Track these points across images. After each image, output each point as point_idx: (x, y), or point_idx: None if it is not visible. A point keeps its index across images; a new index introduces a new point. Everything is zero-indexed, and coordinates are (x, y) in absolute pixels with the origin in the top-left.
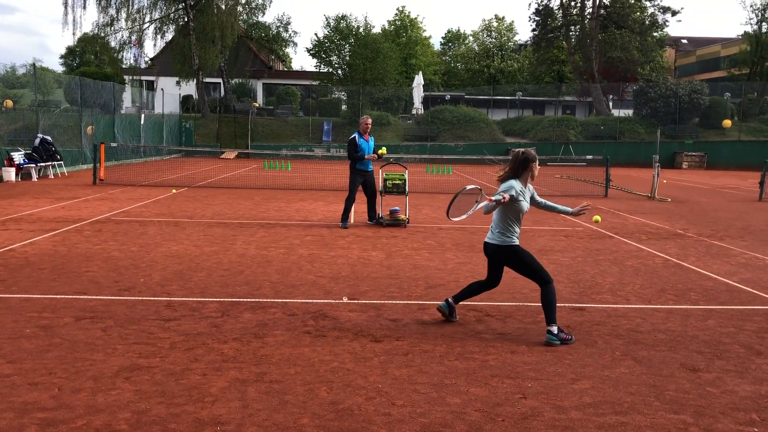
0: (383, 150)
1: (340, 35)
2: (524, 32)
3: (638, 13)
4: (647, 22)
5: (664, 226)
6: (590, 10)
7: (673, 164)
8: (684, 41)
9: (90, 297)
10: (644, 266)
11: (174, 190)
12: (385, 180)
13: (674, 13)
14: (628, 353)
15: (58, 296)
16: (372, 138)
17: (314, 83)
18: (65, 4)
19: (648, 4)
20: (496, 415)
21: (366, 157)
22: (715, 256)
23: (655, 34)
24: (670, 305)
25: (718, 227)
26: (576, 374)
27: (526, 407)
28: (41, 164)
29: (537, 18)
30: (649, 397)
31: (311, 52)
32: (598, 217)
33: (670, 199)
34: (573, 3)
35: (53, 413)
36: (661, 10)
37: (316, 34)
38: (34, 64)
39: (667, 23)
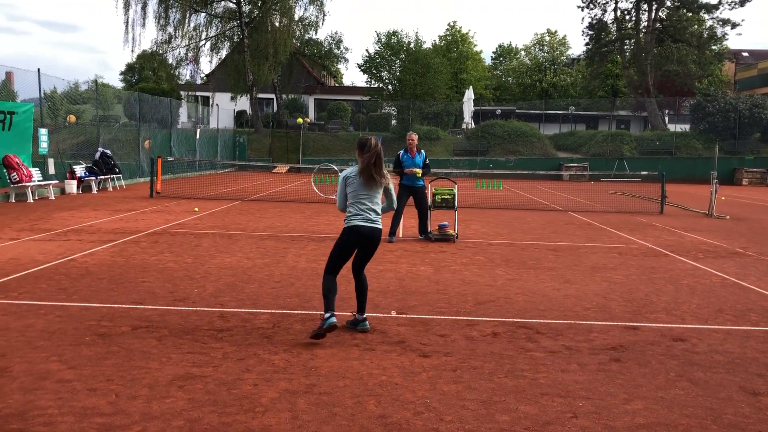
0: (417, 171)
1: (391, 51)
2: (577, 46)
3: (696, 26)
4: (705, 35)
5: (722, 244)
6: (645, 23)
7: (732, 181)
8: (745, 54)
9: (146, 307)
10: (701, 285)
11: (196, 209)
12: (434, 195)
13: (734, 26)
14: (683, 374)
15: (116, 305)
16: (421, 153)
17: (365, 98)
18: (126, 23)
19: (706, 17)
20: None
21: (405, 171)
22: None
23: (713, 47)
24: (729, 326)
25: None
26: (629, 394)
27: (576, 427)
28: (101, 177)
29: (590, 32)
30: (705, 421)
31: (362, 67)
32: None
33: (728, 217)
34: (628, 17)
35: (111, 419)
36: (721, 23)
37: (367, 50)
38: (96, 80)
39: (726, 36)
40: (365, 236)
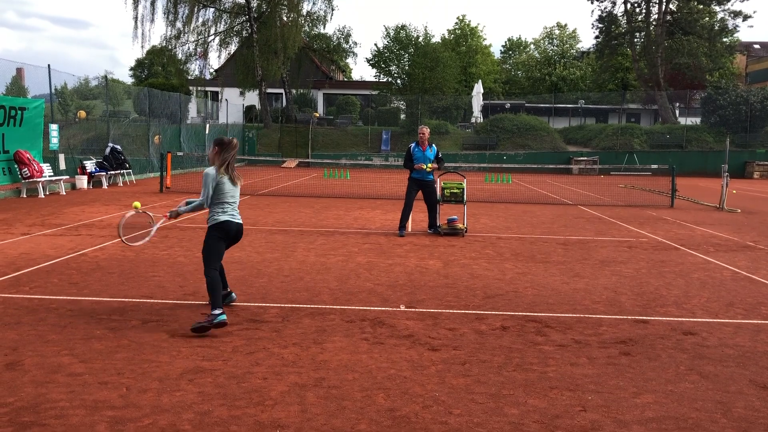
0: (426, 166)
1: (400, 45)
2: (587, 39)
3: (707, 19)
4: (716, 28)
5: (733, 237)
6: (656, 16)
7: (743, 174)
8: (756, 46)
9: (156, 301)
10: (711, 279)
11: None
12: (443, 189)
13: (746, 18)
14: (693, 368)
15: (127, 299)
16: (432, 147)
17: (374, 93)
18: (135, 19)
19: (717, 9)
20: (555, 427)
21: (415, 166)
22: None
23: (725, 39)
24: (739, 320)
25: None
26: (638, 388)
27: (586, 420)
28: (111, 172)
29: (600, 25)
30: (715, 414)
31: (371, 62)
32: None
33: (739, 210)
34: (638, 9)
35: (122, 411)
36: (732, 15)
37: (376, 45)
38: (105, 76)
39: (738, 28)
40: (236, 231)
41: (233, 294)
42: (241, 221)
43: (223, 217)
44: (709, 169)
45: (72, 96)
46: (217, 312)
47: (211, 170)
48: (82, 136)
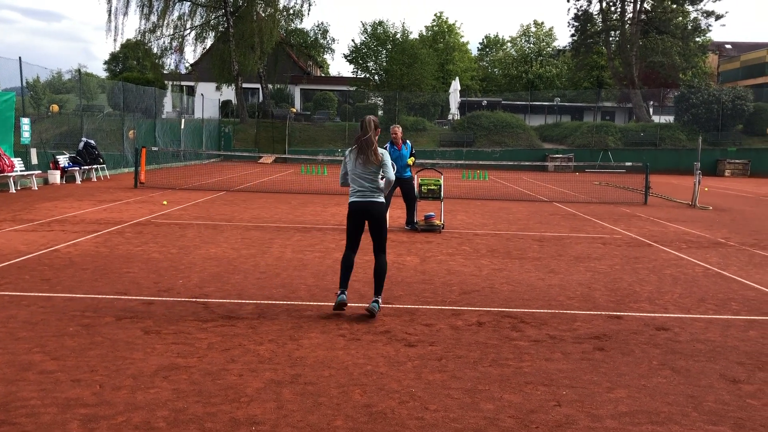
0: (410, 160)
1: (378, 41)
2: (563, 37)
3: (680, 18)
4: (690, 27)
5: (704, 234)
6: (630, 15)
7: (715, 172)
8: (728, 46)
9: (130, 297)
10: (684, 275)
11: (165, 202)
12: (420, 185)
13: (718, 18)
14: (665, 363)
15: (100, 296)
16: (407, 143)
17: (351, 89)
18: (109, 12)
19: (691, 8)
20: (530, 422)
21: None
22: (757, 265)
23: (697, 39)
24: (710, 315)
25: (761, 236)
26: (612, 383)
27: (560, 415)
28: (85, 167)
29: (576, 23)
30: (687, 408)
31: (348, 58)
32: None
33: (711, 207)
34: (613, 8)
35: (95, 409)
36: (705, 15)
37: (353, 41)
38: (79, 69)
39: (710, 27)
40: (362, 210)
41: (376, 305)
42: (372, 199)
43: (350, 198)
44: (682, 167)
45: (44, 89)
46: (338, 292)
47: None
48: (55, 130)
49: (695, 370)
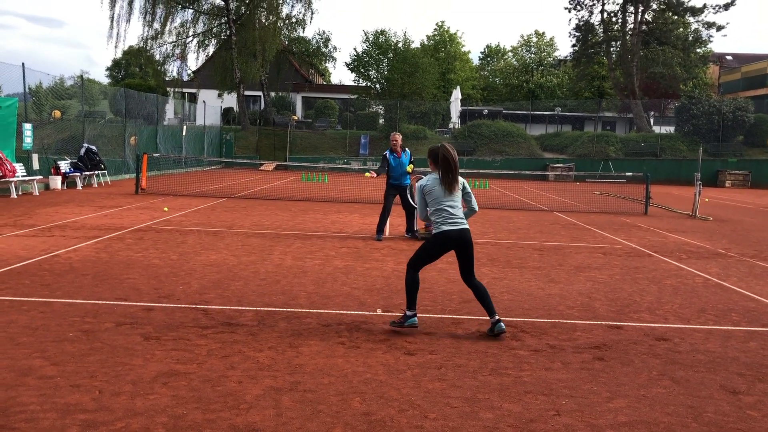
0: (410, 167)
1: (379, 50)
2: (564, 47)
3: (681, 29)
4: (691, 38)
5: (705, 245)
6: (632, 26)
7: (715, 183)
8: (729, 57)
9: (130, 303)
10: (684, 285)
11: (166, 209)
12: None
13: (719, 29)
14: (665, 373)
15: (100, 302)
16: (407, 152)
17: (352, 97)
18: (111, 18)
19: (692, 19)
20: None
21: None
22: (758, 276)
23: (698, 50)
24: (710, 326)
25: (761, 247)
26: (611, 393)
27: (559, 424)
28: (86, 173)
29: (577, 34)
30: (686, 419)
31: (350, 66)
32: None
33: (711, 218)
34: (614, 19)
35: (94, 415)
36: (706, 26)
37: (355, 49)
38: (81, 76)
39: (711, 39)
40: (455, 240)
41: (501, 323)
42: (464, 227)
43: (441, 227)
44: (682, 178)
45: (47, 95)
46: (409, 313)
47: (420, 180)
48: (57, 136)
49: (695, 380)
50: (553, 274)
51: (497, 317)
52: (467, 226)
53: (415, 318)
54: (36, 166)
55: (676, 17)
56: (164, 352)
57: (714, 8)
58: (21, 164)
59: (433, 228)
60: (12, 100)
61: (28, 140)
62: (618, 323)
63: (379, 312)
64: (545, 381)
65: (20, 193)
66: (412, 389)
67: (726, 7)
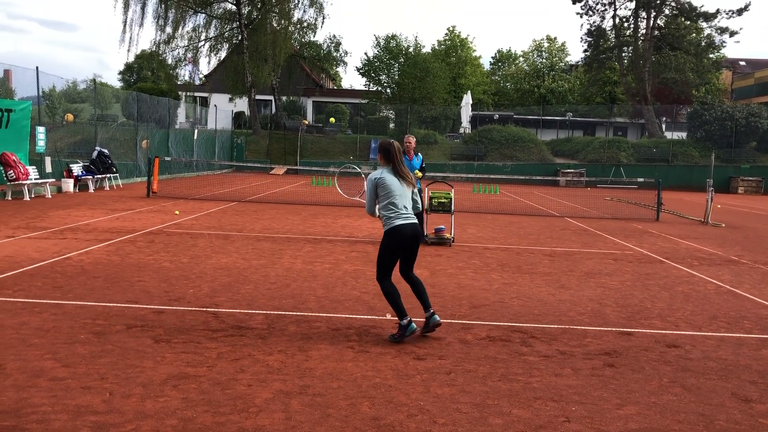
0: (419, 174)
1: (390, 55)
2: (576, 52)
3: (694, 35)
4: (703, 44)
5: (717, 251)
6: (644, 31)
7: (728, 189)
8: (742, 63)
9: (141, 306)
10: (695, 292)
11: (177, 212)
12: (431, 198)
13: (732, 34)
14: (676, 380)
15: (111, 304)
16: (419, 156)
17: (363, 101)
18: (124, 23)
19: (705, 25)
20: None
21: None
22: None
23: (711, 55)
24: (722, 333)
25: None
26: (621, 399)
27: (569, 431)
28: (98, 176)
29: (589, 39)
30: (697, 426)
31: (361, 71)
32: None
33: (724, 225)
34: (626, 24)
35: (104, 417)
36: (719, 31)
37: (366, 54)
38: (94, 79)
39: (724, 44)
40: (409, 235)
41: (436, 315)
42: (415, 222)
43: (394, 222)
44: (694, 184)
45: (60, 99)
46: (404, 322)
47: (372, 174)
48: (69, 139)
49: (706, 388)
50: (564, 279)
51: (432, 311)
52: (416, 221)
53: (412, 323)
54: (49, 169)
55: (688, 22)
56: (174, 355)
57: (727, 13)
58: (34, 167)
59: (383, 224)
60: (26, 104)
61: (41, 143)
62: (629, 330)
63: (388, 317)
64: (555, 387)
65: (33, 196)
66: (421, 394)
67: (739, 12)
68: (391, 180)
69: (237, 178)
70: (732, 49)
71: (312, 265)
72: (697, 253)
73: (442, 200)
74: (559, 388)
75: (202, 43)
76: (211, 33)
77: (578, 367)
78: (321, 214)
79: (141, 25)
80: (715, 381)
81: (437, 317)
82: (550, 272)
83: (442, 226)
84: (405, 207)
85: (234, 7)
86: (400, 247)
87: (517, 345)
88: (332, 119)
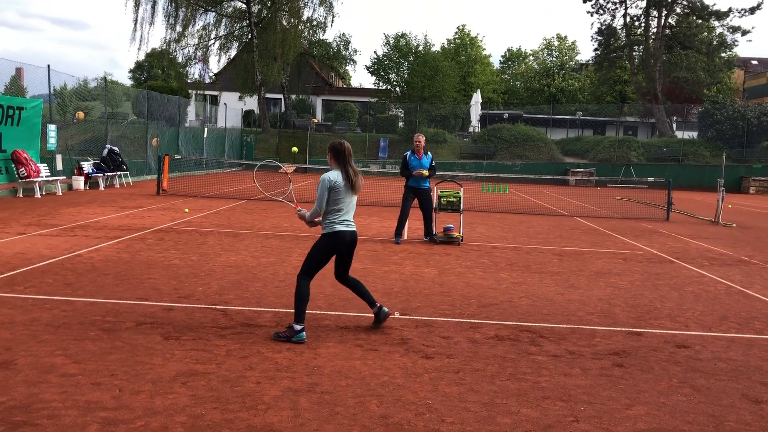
0: (425, 172)
1: (400, 53)
2: (586, 51)
3: (706, 34)
4: (715, 43)
5: (727, 252)
6: (655, 30)
7: (739, 189)
8: (754, 62)
9: (151, 303)
10: (705, 292)
11: (186, 210)
12: (440, 197)
13: (744, 33)
14: (686, 381)
15: (121, 301)
16: (428, 155)
17: (372, 100)
18: (135, 21)
19: (716, 24)
20: None
21: (414, 173)
22: None
23: (723, 54)
24: (733, 333)
25: None
26: (630, 400)
27: (578, 431)
28: (108, 174)
29: (599, 38)
30: (707, 427)
31: (370, 69)
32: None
33: (735, 225)
34: (637, 23)
35: (114, 413)
36: (731, 30)
37: (375, 52)
38: (105, 77)
39: (736, 43)
40: (348, 242)
41: (384, 308)
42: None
43: (335, 227)
44: (705, 183)
45: (71, 97)
46: (298, 328)
47: (325, 175)
48: (80, 137)
49: (716, 389)
50: (573, 279)
51: (378, 305)
52: (355, 230)
53: (303, 334)
54: (59, 166)
55: (700, 21)
56: (183, 352)
57: (739, 12)
58: (45, 165)
59: (322, 226)
60: (37, 102)
61: (52, 141)
62: (638, 330)
63: (396, 315)
64: (564, 387)
65: (44, 193)
66: (429, 393)
67: (752, 11)
68: (344, 188)
69: (246, 176)
70: (744, 48)
71: None
72: (707, 253)
73: (451, 199)
74: (568, 387)
75: (212, 41)
76: (221, 31)
77: (587, 366)
78: None
79: (151, 23)
80: (725, 382)
81: (386, 309)
82: (559, 272)
83: (451, 225)
84: (348, 215)
85: (244, 6)
86: (337, 251)
87: (526, 344)
88: (294, 149)
